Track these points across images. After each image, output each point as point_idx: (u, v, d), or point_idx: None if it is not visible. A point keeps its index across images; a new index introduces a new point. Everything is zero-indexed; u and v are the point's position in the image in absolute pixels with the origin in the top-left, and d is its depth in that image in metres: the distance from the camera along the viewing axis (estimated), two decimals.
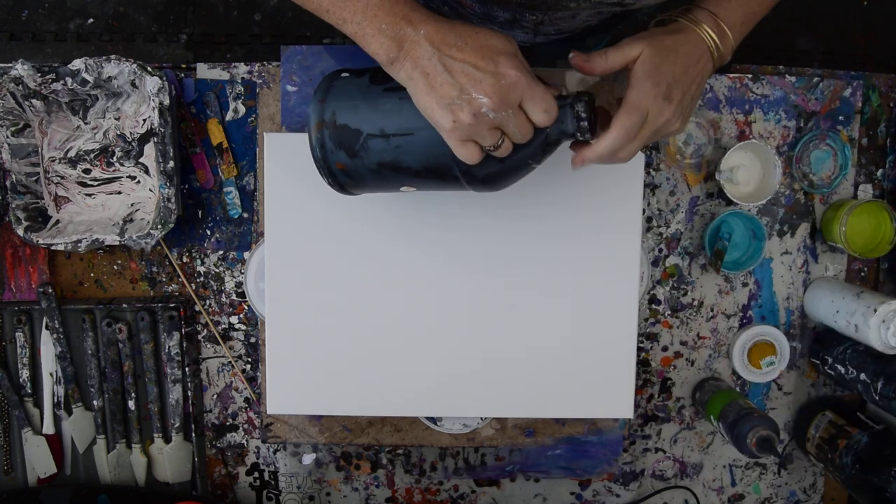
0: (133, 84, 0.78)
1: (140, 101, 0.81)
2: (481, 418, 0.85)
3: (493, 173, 0.58)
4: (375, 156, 0.59)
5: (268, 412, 0.80)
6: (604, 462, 0.87)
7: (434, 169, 0.59)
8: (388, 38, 0.51)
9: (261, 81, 0.83)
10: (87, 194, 0.84)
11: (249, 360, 0.87)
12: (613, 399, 0.80)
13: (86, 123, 0.82)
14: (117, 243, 0.79)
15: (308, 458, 0.88)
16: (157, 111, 0.77)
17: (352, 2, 0.51)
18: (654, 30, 0.59)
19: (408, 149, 0.58)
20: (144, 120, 0.81)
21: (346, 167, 0.60)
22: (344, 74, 0.60)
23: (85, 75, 0.77)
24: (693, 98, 0.58)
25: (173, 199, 0.79)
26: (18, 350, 0.84)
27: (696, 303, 0.87)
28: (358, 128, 0.58)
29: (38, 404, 0.86)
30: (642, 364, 0.87)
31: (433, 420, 0.85)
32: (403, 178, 0.61)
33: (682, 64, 0.56)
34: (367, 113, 0.57)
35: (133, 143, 0.83)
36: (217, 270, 0.86)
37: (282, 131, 0.83)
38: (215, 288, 0.86)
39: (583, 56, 0.58)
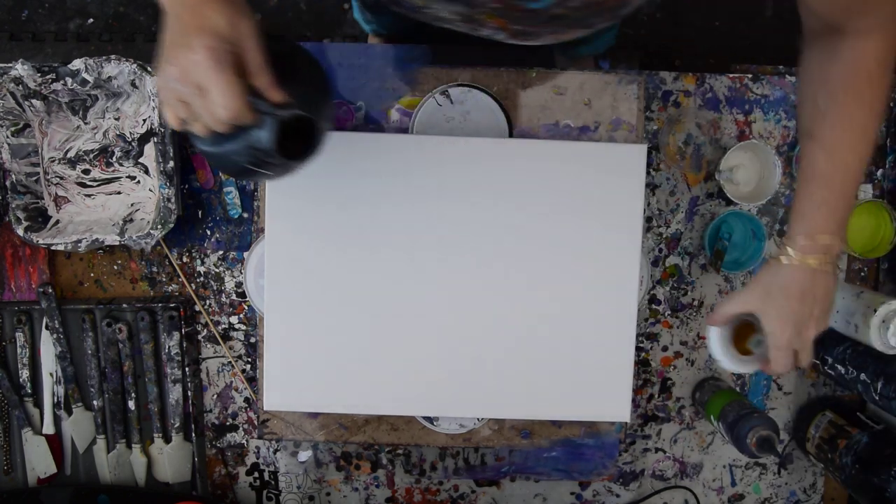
0: (133, 84, 0.78)
1: (140, 101, 0.81)
2: (478, 419, 0.85)
3: (208, 153, 0.55)
4: None
5: (264, 408, 0.80)
6: (600, 465, 0.87)
7: None
8: None
9: None
10: (86, 195, 0.84)
11: (249, 360, 0.87)
12: (611, 402, 0.80)
13: (86, 123, 0.82)
14: (117, 243, 0.79)
15: (304, 455, 0.88)
16: (157, 111, 0.77)
17: None
18: (761, 278, 0.66)
19: None
20: (144, 120, 0.81)
21: None
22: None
23: (85, 75, 0.77)
24: (823, 308, 0.65)
25: (173, 199, 0.79)
26: (18, 350, 0.84)
27: (696, 303, 0.87)
28: None
29: (38, 404, 0.86)
30: (642, 364, 0.87)
31: (430, 419, 0.85)
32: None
33: (796, 299, 0.64)
34: None
35: (133, 143, 0.83)
36: (217, 270, 0.86)
37: None
38: (215, 288, 0.86)
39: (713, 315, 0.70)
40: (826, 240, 0.62)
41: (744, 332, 0.73)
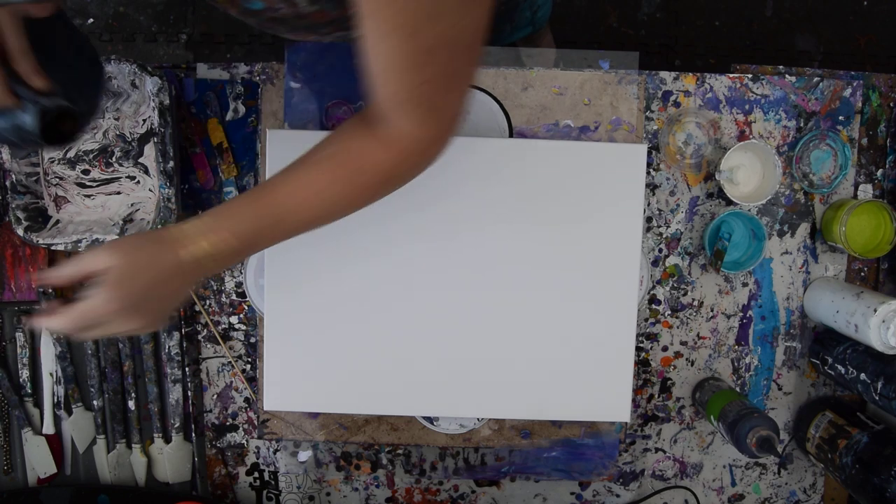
0: (133, 84, 0.78)
1: (140, 101, 0.81)
2: (478, 419, 0.85)
3: None
4: None
5: (264, 408, 0.80)
6: (600, 465, 0.87)
7: None
8: None
9: (264, 77, 0.83)
10: (85, 195, 0.84)
11: (249, 360, 0.87)
12: (611, 402, 0.80)
13: None
14: None
15: (304, 455, 0.88)
16: (156, 111, 0.77)
17: None
18: (134, 239, 0.56)
19: None
20: (144, 120, 0.81)
21: None
22: None
23: None
24: (164, 306, 0.57)
25: (173, 199, 0.79)
26: (18, 350, 0.84)
27: (696, 303, 0.87)
28: None
29: (38, 404, 0.86)
30: (642, 364, 0.87)
31: (430, 419, 0.85)
32: None
33: (153, 282, 0.54)
34: None
35: (133, 143, 0.83)
36: None
37: (284, 128, 0.83)
38: (215, 288, 0.86)
39: (50, 272, 0.57)
40: (231, 242, 0.55)
41: None
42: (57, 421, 0.86)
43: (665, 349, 0.87)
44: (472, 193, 0.78)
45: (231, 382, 0.87)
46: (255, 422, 0.88)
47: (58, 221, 0.83)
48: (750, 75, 0.84)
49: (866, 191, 0.86)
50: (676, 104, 0.85)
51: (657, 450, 0.89)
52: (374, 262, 0.78)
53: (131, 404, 0.85)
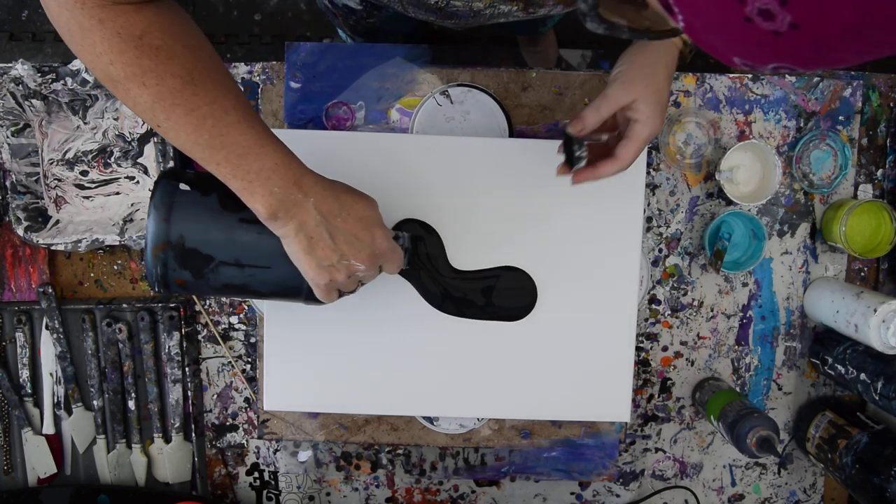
0: None
1: None
2: (478, 419, 0.85)
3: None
4: (224, 279, 0.59)
5: (264, 408, 0.80)
6: (600, 465, 0.87)
7: (280, 293, 0.62)
8: (277, 199, 0.52)
9: (264, 77, 0.83)
10: (84, 196, 0.84)
11: (249, 360, 0.87)
12: (611, 402, 0.80)
13: (85, 123, 0.82)
14: (117, 243, 0.79)
15: (304, 455, 0.88)
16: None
17: (247, 162, 0.51)
18: (637, 59, 0.60)
19: (261, 278, 0.60)
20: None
21: (187, 283, 0.59)
22: (183, 187, 0.58)
23: (85, 75, 0.77)
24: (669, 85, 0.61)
25: None
26: (18, 350, 0.84)
27: (696, 303, 0.87)
28: (210, 254, 0.58)
29: (38, 404, 0.86)
30: (642, 364, 0.87)
31: (430, 419, 0.85)
32: (246, 296, 0.62)
33: (667, 74, 0.60)
34: (222, 241, 0.58)
35: (133, 143, 0.83)
36: None
37: (284, 128, 0.83)
38: None
39: (575, 122, 0.61)
40: None
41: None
42: (57, 421, 0.86)
43: (665, 349, 0.87)
44: (471, 193, 0.78)
45: (231, 382, 0.87)
46: (255, 422, 0.88)
47: (58, 221, 0.83)
48: (750, 75, 0.84)
49: (866, 191, 0.86)
50: (676, 104, 0.85)
51: (657, 450, 0.89)
52: None
53: (131, 404, 0.85)
